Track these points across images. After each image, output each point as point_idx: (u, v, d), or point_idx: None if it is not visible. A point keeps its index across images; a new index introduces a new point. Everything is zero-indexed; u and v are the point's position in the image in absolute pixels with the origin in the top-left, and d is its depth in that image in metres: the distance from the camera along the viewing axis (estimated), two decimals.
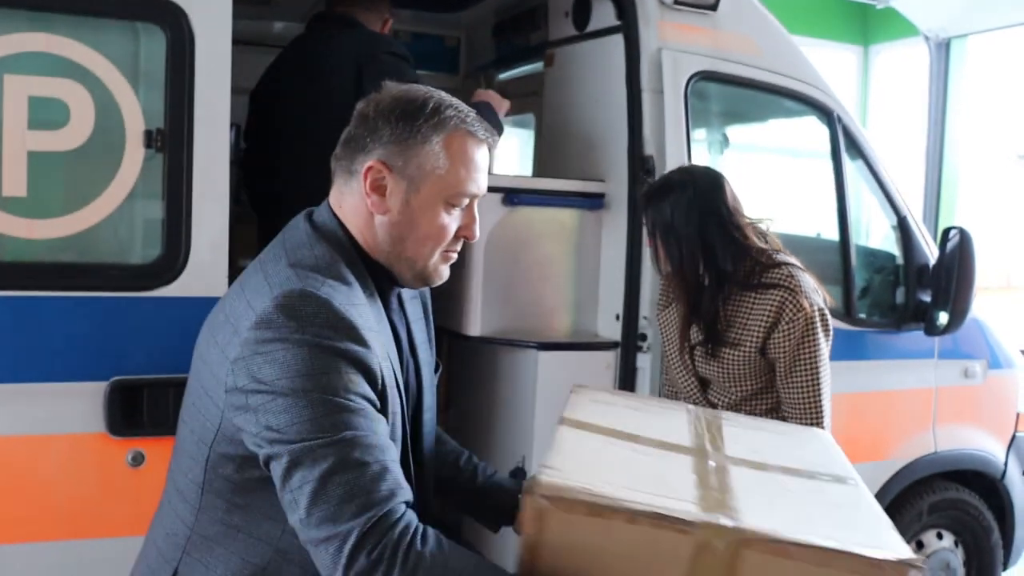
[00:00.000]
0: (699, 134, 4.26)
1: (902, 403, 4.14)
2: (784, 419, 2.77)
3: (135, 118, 2.71)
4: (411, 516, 1.64)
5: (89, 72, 2.67)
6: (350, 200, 1.87)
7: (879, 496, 3.97)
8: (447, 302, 3.73)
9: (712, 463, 1.90)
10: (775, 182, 5.21)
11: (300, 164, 3.16)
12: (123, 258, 2.83)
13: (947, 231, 3.94)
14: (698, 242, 2.77)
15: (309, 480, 1.59)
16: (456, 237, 1.90)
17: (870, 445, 4.01)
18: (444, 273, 1.93)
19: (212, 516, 1.80)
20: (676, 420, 2.17)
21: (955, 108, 10.65)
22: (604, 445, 1.93)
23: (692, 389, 2.92)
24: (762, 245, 2.81)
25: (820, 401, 2.73)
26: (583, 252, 3.70)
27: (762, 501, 1.76)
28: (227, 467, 1.76)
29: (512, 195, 3.58)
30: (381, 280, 1.89)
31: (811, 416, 2.72)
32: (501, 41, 4.80)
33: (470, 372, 4.10)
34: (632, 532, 1.58)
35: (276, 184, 3.52)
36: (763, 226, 2.89)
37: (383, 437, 1.68)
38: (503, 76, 4.94)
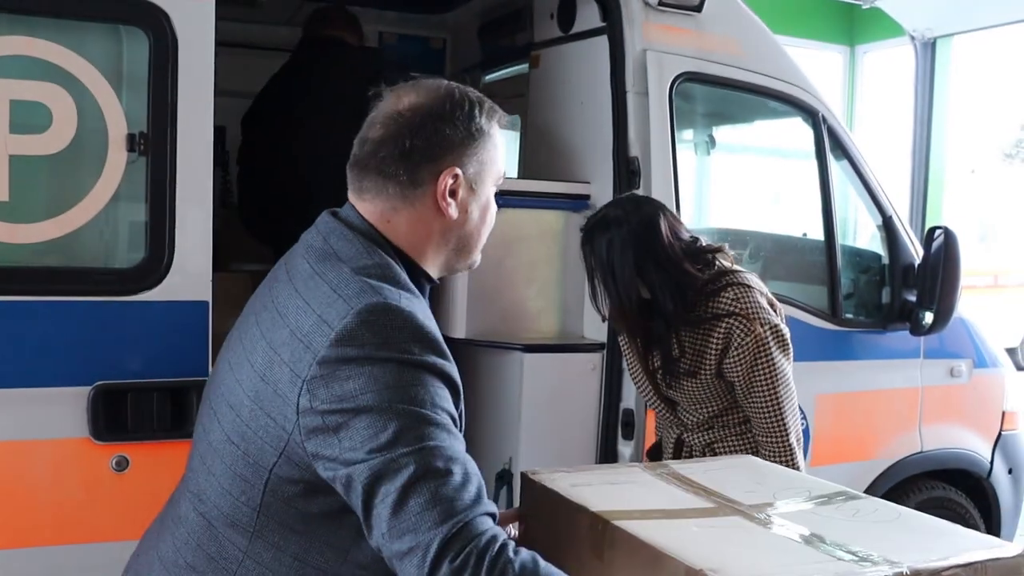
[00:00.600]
0: (685, 135, 4.27)
1: (888, 403, 4.15)
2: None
3: (118, 122, 2.70)
4: (499, 529, 1.57)
5: (71, 76, 2.66)
6: (408, 213, 1.78)
7: None
8: (432, 304, 3.72)
9: (768, 516, 1.83)
10: (761, 183, 5.23)
11: (316, 192, 3.15)
12: (106, 262, 2.82)
13: (932, 230, 3.96)
14: (636, 282, 2.71)
15: (391, 492, 1.52)
16: None
17: (856, 445, 4.03)
18: (475, 258, 1.97)
19: (268, 541, 1.70)
20: (658, 485, 2.04)
21: (941, 107, 10.70)
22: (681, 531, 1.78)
23: (662, 410, 2.93)
24: (701, 275, 2.74)
25: (783, 418, 2.71)
26: (568, 254, 3.70)
27: (861, 537, 1.73)
28: (290, 491, 1.67)
29: (497, 196, 3.56)
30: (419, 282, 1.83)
31: (776, 434, 2.72)
32: (486, 42, 4.80)
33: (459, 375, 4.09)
34: None
35: (283, 213, 3.47)
36: (707, 239, 2.88)
37: (464, 452, 1.62)
38: (488, 78, 4.94)
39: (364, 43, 3.83)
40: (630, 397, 3.51)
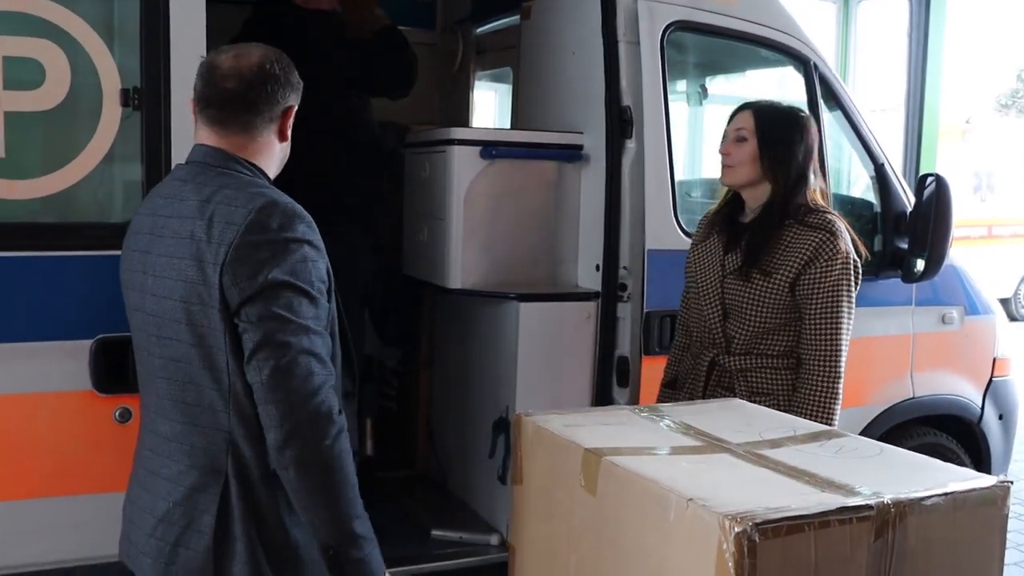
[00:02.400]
0: (677, 85, 4.27)
1: (880, 349, 4.18)
2: (799, 359, 2.84)
3: (111, 77, 2.72)
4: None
5: (64, 31, 2.67)
6: (264, 140, 2.14)
7: None
8: (427, 255, 3.76)
9: (755, 453, 1.94)
10: None
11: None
12: (103, 217, 2.85)
13: (923, 178, 3.97)
14: (795, 169, 2.87)
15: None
16: None
17: (849, 391, 4.02)
18: None
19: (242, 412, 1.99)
20: (649, 426, 2.17)
21: (935, 58, 10.66)
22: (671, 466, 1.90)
23: (714, 319, 2.94)
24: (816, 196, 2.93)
25: (839, 344, 2.79)
26: (562, 204, 3.72)
27: (845, 471, 1.81)
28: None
29: (490, 148, 3.59)
30: None
31: (827, 357, 2.78)
32: None
33: (452, 325, 4.14)
34: (828, 535, 1.61)
35: None
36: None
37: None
38: (480, 30, 4.93)
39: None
40: (625, 345, 3.55)
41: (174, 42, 2.73)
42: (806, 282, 2.79)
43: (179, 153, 2.70)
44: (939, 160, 10.78)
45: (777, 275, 2.81)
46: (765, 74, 4.60)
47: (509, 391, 3.59)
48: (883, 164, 4.11)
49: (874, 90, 10.89)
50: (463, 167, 3.59)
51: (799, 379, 2.84)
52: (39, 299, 2.67)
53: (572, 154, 3.69)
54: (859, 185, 4.38)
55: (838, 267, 2.78)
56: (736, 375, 2.90)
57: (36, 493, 2.72)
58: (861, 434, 3.96)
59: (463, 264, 3.61)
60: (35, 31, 2.65)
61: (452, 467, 4.19)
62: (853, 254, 2.83)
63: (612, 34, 3.54)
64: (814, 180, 2.92)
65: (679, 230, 3.57)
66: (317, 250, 2.03)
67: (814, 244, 2.79)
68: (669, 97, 3.61)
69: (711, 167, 4.45)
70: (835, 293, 2.78)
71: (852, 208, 4.28)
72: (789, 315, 2.84)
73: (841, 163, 4.37)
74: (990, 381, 4.47)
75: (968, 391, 4.40)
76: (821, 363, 2.80)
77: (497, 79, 5.15)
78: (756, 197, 2.92)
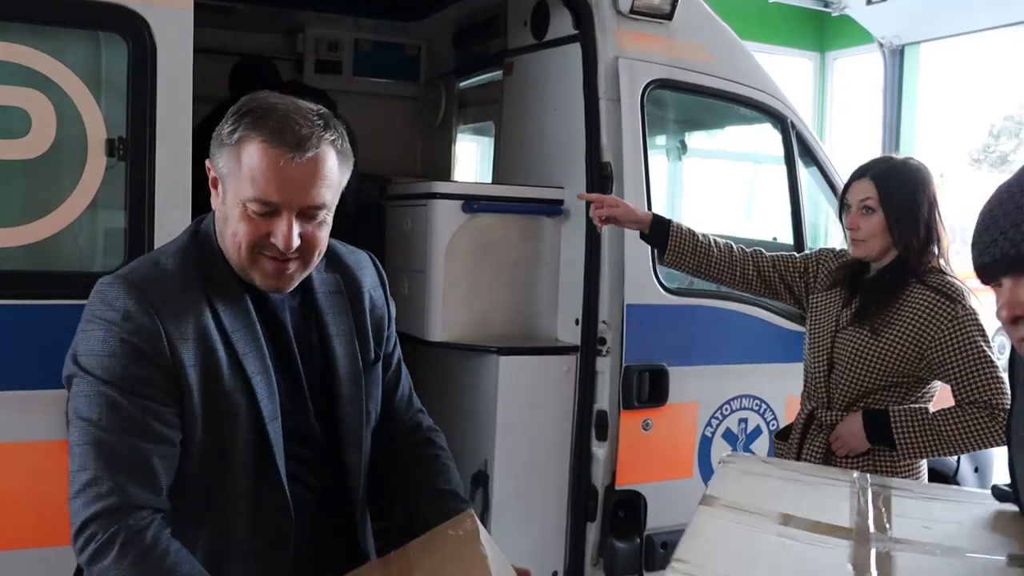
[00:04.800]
0: (656, 141, 4.32)
1: None
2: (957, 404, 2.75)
3: (97, 127, 2.72)
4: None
5: (51, 81, 2.68)
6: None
7: None
8: (408, 308, 3.76)
9: (875, 549, 1.70)
10: (731, 188, 5.30)
11: None
12: (86, 266, 2.84)
13: None
14: (923, 229, 2.80)
15: None
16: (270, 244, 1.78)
17: None
18: (261, 277, 1.83)
19: None
20: (837, 494, 1.98)
21: (909, 113, 10.83)
22: (749, 530, 1.77)
23: (820, 372, 2.91)
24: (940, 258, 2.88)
25: (1001, 378, 2.68)
26: (542, 258, 3.75)
27: None
28: None
29: (471, 202, 3.63)
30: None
31: (995, 387, 2.68)
32: (461, 50, 4.85)
33: (432, 377, 4.13)
34: None
35: None
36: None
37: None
38: (463, 84, 4.98)
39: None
40: (604, 399, 3.57)
41: (160, 93, 2.74)
42: (939, 347, 2.71)
43: (163, 203, 2.72)
44: None
45: (887, 332, 2.77)
46: (743, 130, 4.67)
47: (488, 444, 3.58)
48: None
49: (850, 145, 11.02)
50: (444, 221, 3.61)
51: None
52: (22, 348, 2.65)
53: (553, 209, 3.73)
54: (836, 240, 4.43)
55: (968, 322, 2.71)
56: (830, 430, 2.88)
57: (30, 543, 2.68)
58: None
59: (443, 317, 3.62)
60: (22, 80, 2.65)
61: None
62: (977, 312, 2.75)
63: (593, 91, 3.59)
64: (944, 238, 2.85)
65: (658, 285, 3.60)
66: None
67: (930, 306, 2.73)
68: (649, 153, 3.65)
69: (690, 221, 4.50)
70: (975, 340, 2.70)
71: None
72: (893, 376, 2.79)
73: (818, 219, 4.42)
74: None
75: None
76: (987, 380, 2.68)
77: (479, 133, 5.20)
78: (884, 259, 2.87)
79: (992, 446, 2.71)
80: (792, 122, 4.02)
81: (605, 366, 3.57)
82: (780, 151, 4.04)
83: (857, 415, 2.80)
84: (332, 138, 1.78)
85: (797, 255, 3.18)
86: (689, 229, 3.17)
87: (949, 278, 2.81)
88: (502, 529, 3.58)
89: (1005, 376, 2.65)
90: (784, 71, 9.84)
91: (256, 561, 1.87)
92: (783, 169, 4.02)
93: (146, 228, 2.70)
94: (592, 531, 3.60)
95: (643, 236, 3.23)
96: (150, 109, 2.73)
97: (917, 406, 2.77)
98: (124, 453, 1.70)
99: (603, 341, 3.56)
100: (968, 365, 2.69)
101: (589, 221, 3.52)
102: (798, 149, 4.03)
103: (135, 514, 1.68)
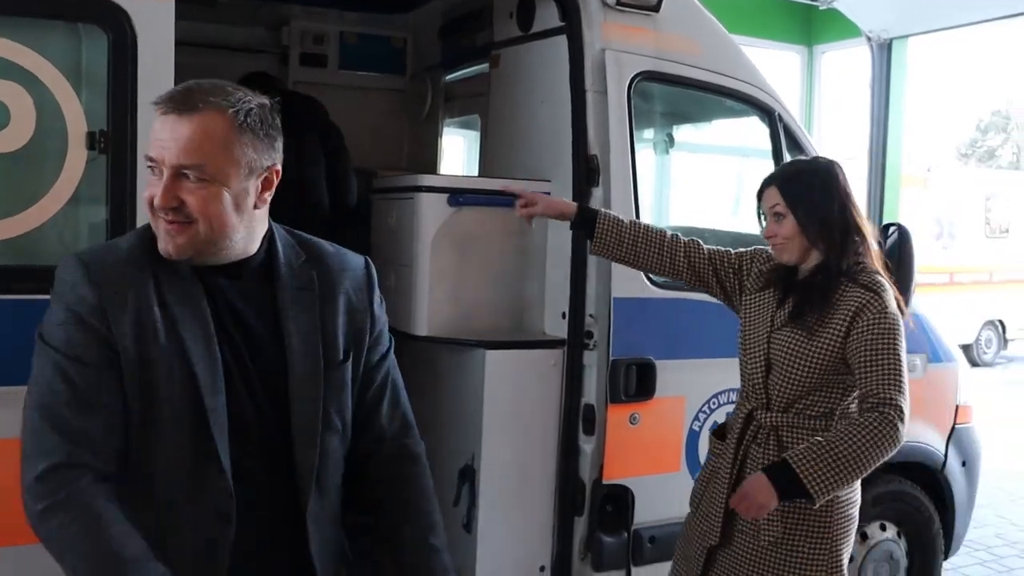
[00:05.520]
0: (644, 134, 4.31)
1: None
2: (857, 403, 2.76)
3: (77, 120, 2.70)
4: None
5: (30, 74, 2.66)
6: None
7: None
8: (394, 302, 3.74)
9: None
10: (719, 181, 5.28)
11: None
12: None
13: (886, 227, 4.01)
14: (838, 226, 2.82)
15: None
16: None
17: None
18: (159, 240, 1.87)
19: None
20: None
21: (897, 107, 10.85)
22: None
23: (757, 372, 2.90)
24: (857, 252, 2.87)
25: (902, 377, 2.68)
26: (529, 251, 3.74)
27: None
28: None
29: (457, 195, 3.60)
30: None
31: (893, 384, 2.65)
32: (447, 42, 4.82)
33: (418, 372, 4.11)
34: None
35: None
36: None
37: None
38: (449, 77, 4.96)
39: None
40: (591, 393, 3.55)
41: (142, 86, 2.71)
42: (855, 337, 2.72)
43: (144, 197, 2.68)
44: (901, 208, 10.93)
45: (823, 332, 2.77)
46: (731, 123, 4.66)
47: (475, 439, 3.56)
48: None
49: (837, 139, 11.03)
50: (430, 214, 3.59)
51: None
52: (4, 343, 2.62)
53: None
54: None
55: (888, 321, 2.71)
56: (770, 431, 2.87)
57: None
58: None
59: (429, 311, 3.60)
60: (1, 73, 2.63)
61: None
62: (898, 313, 2.77)
63: (580, 84, 3.57)
64: (864, 229, 2.86)
65: (645, 278, 3.57)
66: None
67: (859, 302, 2.74)
68: (636, 145, 3.64)
69: (677, 214, 4.48)
70: (890, 339, 2.70)
71: None
72: (831, 375, 2.79)
73: None
74: (953, 428, 4.49)
75: (931, 438, 4.41)
76: (885, 376, 2.67)
77: (465, 126, 5.18)
78: (810, 260, 2.88)
79: (891, 451, 2.67)
80: (779, 115, 4.01)
81: (592, 360, 3.56)
82: (767, 144, 4.03)
83: (759, 475, 2.72)
84: (225, 106, 1.81)
85: (733, 252, 3.16)
86: (616, 217, 3.15)
87: (876, 276, 2.82)
88: (489, 524, 3.57)
89: (907, 378, 2.70)
90: (772, 64, 9.84)
91: (200, 534, 1.87)
92: (771, 162, 4.01)
93: (127, 221, 2.66)
94: (580, 525, 3.59)
95: (572, 226, 3.22)
96: (131, 102, 2.70)
97: (812, 441, 2.69)
98: (69, 417, 1.76)
99: (590, 335, 3.55)
100: (872, 359, 2.69)
101: None
102: (786, 142, 4.02)
103: (82, 477, 1.74)
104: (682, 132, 4.77)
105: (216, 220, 1.83)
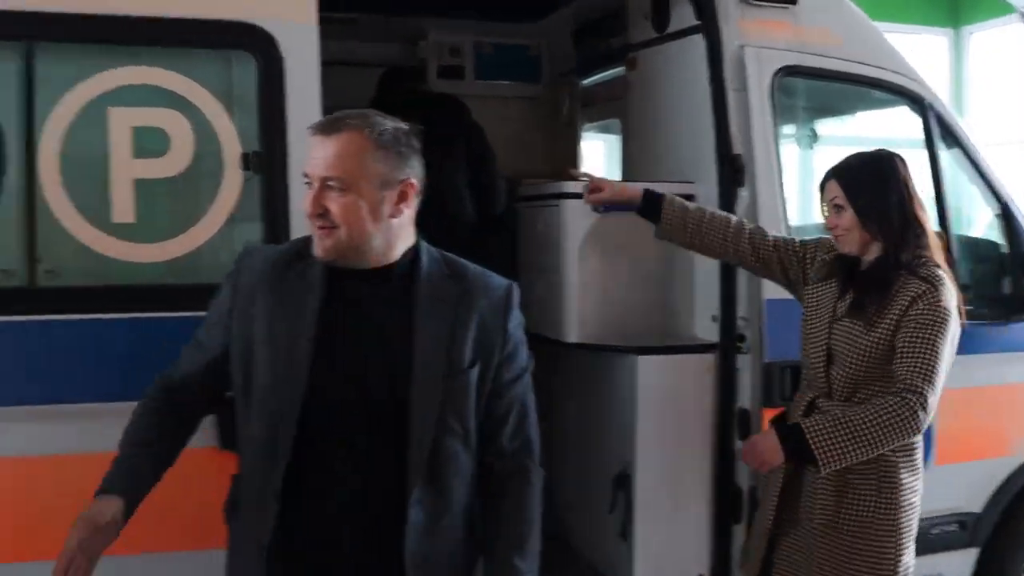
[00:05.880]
0: (787, 130, 4.20)
1: (1013, 397, 3.98)
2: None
3: (232, 142, 2.81)
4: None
5: (186, 101, 2.78)
6: None
7: (999, 493, 3.86)
8: (543, 310, 3.75)
9: None
10: None
11: None
12: None
13: None
14: (897, 219, 2.81)
15: None
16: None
17: (986, 442, 3.88)
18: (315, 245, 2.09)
19: None
20: None
21: None
22: None
23: (818, 362, 2.89)
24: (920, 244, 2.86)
25: (935, 370, 2.68)
26: (676, 255, 3.68)
27: None
28: None
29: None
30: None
31: (923, 374, 2.66)
32: (582, 47, 4.82)
33: (567, 378, 4.11)
34: None
35: None
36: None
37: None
38: (585, 82, 4.95)
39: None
40: (745, 397, 3.48)
41: (291, 106, 2.80)
42: (904, 325, 2.72)
43: (298, 214, 2.75)
44: None
45: (881, 324, 2.76)
46: (878, 115, 4.51)
47: (628, 446, 3.53)
48: (1008, 203, 3.96)
49: (992, 123, 10.53)
50: (576, 220, 3.59)
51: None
52: (163, 358, 2.72)
53: None
54: (983, 225, 4.23)
55: (937, 314, 2.70)
56: None
57: (165, 547, 2.76)
58: (1001, 486, 3.81)
59: (579, 318, 3.59)
60: (159, 101, 2.76)
61: (572, 522, 4.13)
62: (951, 309, 2.74)
63: (719, 82, 3.51)
64: (924, 222, 2.85)
65: None
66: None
67: (914, 292, 2.73)
68: (780, 142, 3.56)
69: None
70: (933, 331, 2.69)
71: (976, 250, 4.13)
72: (890, 365, 2.76)
73: (961, 203, 4.23)
74: None
75: None
76: (918, 365, 2.68)
77: (605, 130, 5.15)
78: (871, 252, 2.87)
79: (905, 437, 2.68)
80: (930, 103, 3.86)
81: (745, 363, 3.48)
82: (918, 134, 3.88)
83: (771, 432, 2.80)
84: (363, 127, 2.05)
85: (798, 240, 3.13)
86: (683, 202, 3.16)
87: (937, 270, 2.80)
88: (645, 531, 3.54)
89: (942, 373, 2.69)
90: (917, 50, 9.48)
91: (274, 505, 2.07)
92: (923, 153, 3.85)
93: (281, 238, 2.74)
94: (738, 533, 3.51)
95: (638, 211, 3.21)
96: (281, 122, 2.79)
97: (831, 413, 2.75)
98: (182, 357, 2.26)
99: (742, 338, 3.47)
100: (910, 347, 2.70)
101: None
102: (938, 131, 3.86)
103: (162, 389, 2.24)
104: (826, 126, 4.65)
105: (355, 226, 2.04)
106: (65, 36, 2.76)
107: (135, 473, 2.13)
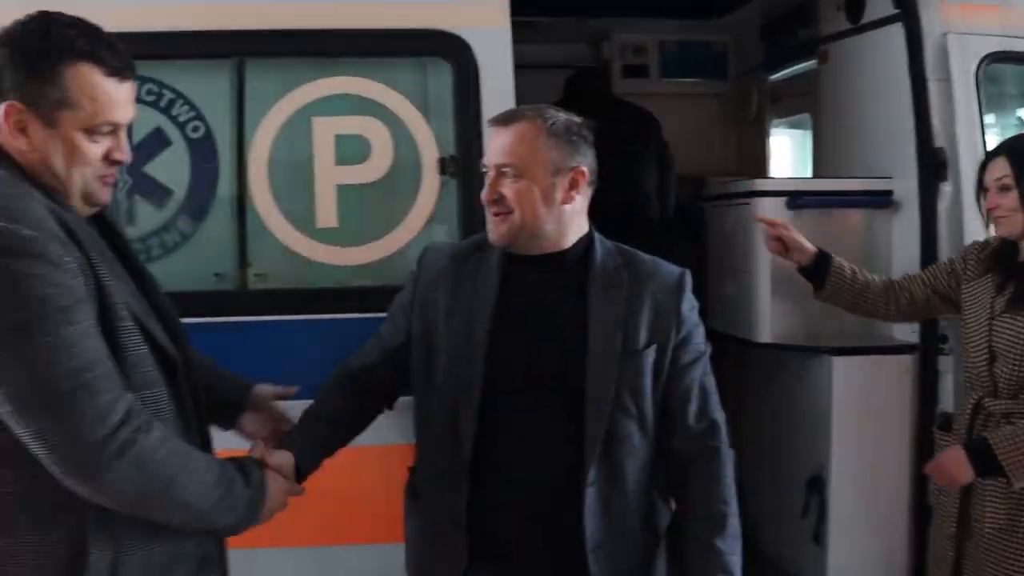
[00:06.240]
0: (993, 119, 4.01)
1: None
2: None
3: (429, 147, 2.90)
4: None
5: (385, 108, 2.89)
6: None
7: None
8: (733, 309, 3.70)
9: None
10: None
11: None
12: None
13: None
14: None
15: None
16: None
17: None
18: (489, 231, 2.17)
19: None
20: None
21: None
22: None
23: (981, 361, 2.78)
24: None
25: None
26: (872, 252, 3.56)
27: None
28: None
29: (795, 198, 3.50)
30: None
31: None
32: (770, 42, 4.73)
33: (761, 380, 4.04)
34: None
35: None
36: None
37: None
38: (773, 77, 4.86)
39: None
40: (947, 400, 3.33)
41: (486, 111, 2.84)
42: None
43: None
44: None
45: None
46: None
47: (823, 449, 3.45)
48: None
49: None
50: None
51: None
52: None
53: (881, 200, 3.54)
54: None
55: None
56: (1001, 419, 2.72)
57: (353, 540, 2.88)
58: None
59: (772, 318, 3.52)
60: (360, 110, 2.87)
61: (761, 523, 4.06)
62: None
63: (920, 73, 3.38)
64: None
65: None
66: None
67: None
68: (986, 133, 3.40)
69: None
70: None
71: None
72: None
73: None
74: None
75: None
76: None
77: (793, 126, 5.04)
78: None
79: None
80: None
81: (947, 365, 3.34)
82: None
83: (958, 449, 2.69)
84: (535, 117, 2.12)
85: (944, 261, 3.03)
86: (851, 267, 3.07)
87: None
88: (840, 536, 3.45)
89: None
90: None
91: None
92: None
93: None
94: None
95: (800, 269, 3.12)
96: (477, 126, 2.86)
97: (1019, 423, 2.62)
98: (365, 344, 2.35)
99: (944, 339, 3.33)
100: None
101: (923, 211, 3.32)
102: None
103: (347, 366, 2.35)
104: None
105: (528, 210, 2.11)
106: (273, 51, 2.91)
107: (310, 442, 2.20)
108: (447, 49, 2.90)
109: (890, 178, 3.54)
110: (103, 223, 1.87)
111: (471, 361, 2.12)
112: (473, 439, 2.10)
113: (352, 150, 2.86)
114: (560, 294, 2.17)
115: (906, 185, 3.45)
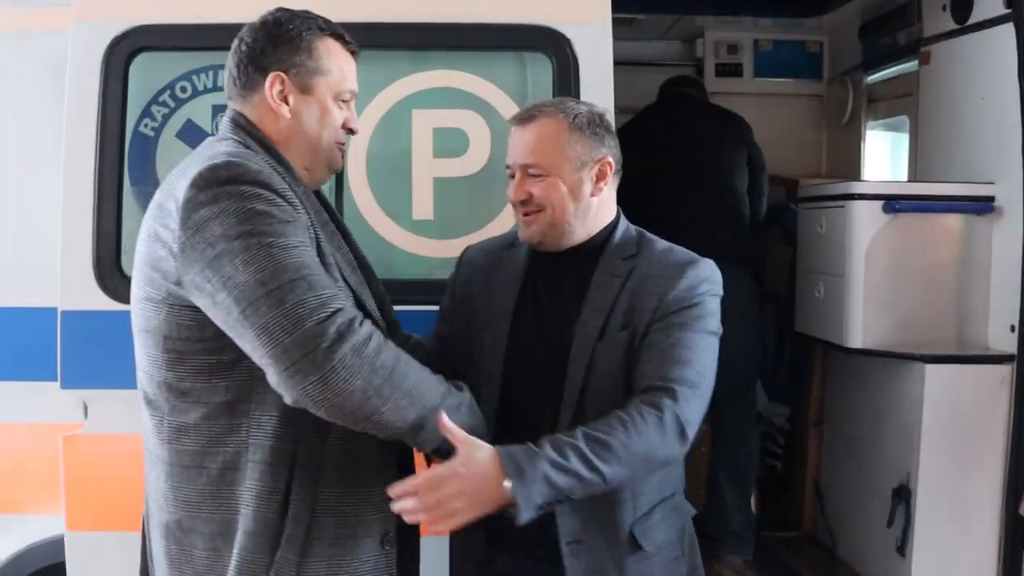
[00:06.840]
0: None
1: None
2: None
3: None
4: None
5: (484, 102, 2.89)
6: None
7: None
8: (824, 313, 3.65)
9: None
10: None
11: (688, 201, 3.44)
12: None
13: None
14: None
15: None
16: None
17: None
18: (520, 231, 2.22)
19: None
20: None
21: None
22: None
23: None
24: None
25: None
26: (971, 259, 3.50)
27: None
28: None
29: (892, 202, 3.45)
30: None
31: None
32: (868, 42, 4.65)
33: (845, 384, 3.99)
34: None
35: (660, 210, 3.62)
36: None
37: None
38: (871, 78, 4.78)
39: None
40: None
41: None
42: None
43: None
44: None
45: None
46: None
47: (910, 458, 3.40)
48: None
49: None
50: (864, 222, 3.48)
51: None
52: None
53: (982, 206, 3.46)
54: None
55: None
56: None
57: None
58: None
59: (864, 323, 3.48)
60: (460, 103, 2.88)
61: (843, 532, 4.01)
62: None
63: None
64: None
65: None
66: None
67: None
68: None
69: None
70: None
71: None
72: None
73: None
74: None
75: None
76: None
77: (892, 128, 4.96)
78: None
79: None
80: None
81: None
82: None
83: None
84: (556, 112, 2.12)
85: None
86: None
87: None
88: (925, 549, 3.40)
89: None
90: None
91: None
92: None
93: None
94: None
95: None
96: None
97: None
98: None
99: None
100: None
101: None
102: None
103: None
104: None
105: (557, 206, 2.12)
106: (374, 44, 2.93)
107: None
108: (547, 44, 2.89)
109: (992, 183, 3.46)
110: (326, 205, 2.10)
111: (494, 355, 2.17)
112: (494, 431, 2.07)
113: (451, 143, 2.87)
114: (574, 284, 2.17)
115: (1009, 191, 3.37)
